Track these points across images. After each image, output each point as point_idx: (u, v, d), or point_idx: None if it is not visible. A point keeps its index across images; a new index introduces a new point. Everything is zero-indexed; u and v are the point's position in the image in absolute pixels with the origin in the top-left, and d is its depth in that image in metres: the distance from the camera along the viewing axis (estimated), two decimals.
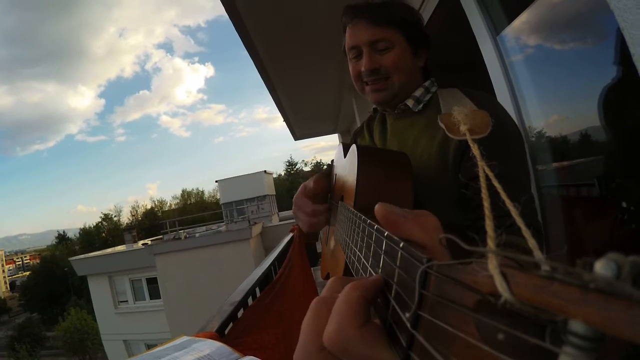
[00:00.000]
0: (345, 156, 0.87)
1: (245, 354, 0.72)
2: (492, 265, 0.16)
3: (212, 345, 0.74)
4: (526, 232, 0.18)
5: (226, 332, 1.02)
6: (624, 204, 1.26)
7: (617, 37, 1.06)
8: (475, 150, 0.30)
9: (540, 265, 0.15)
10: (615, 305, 0.11)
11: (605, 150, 1.39)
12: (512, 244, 0.54)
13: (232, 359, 0.70)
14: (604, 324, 0.12)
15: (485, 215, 0.23)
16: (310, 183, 0.99)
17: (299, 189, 1.02)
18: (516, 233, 0.55)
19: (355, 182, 0.68)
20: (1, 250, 64.25)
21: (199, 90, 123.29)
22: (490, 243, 0.19)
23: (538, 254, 0.16)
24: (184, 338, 0.80)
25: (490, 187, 0.26)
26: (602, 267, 0.13)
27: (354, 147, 0.77)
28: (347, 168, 0.80)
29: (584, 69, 1.41)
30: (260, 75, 4.49)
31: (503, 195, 0.23)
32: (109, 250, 17.52)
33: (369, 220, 0.40)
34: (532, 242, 0.17)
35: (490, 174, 0.25)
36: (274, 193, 21.06)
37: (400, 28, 0.91)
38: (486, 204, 0.24)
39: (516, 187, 0.78)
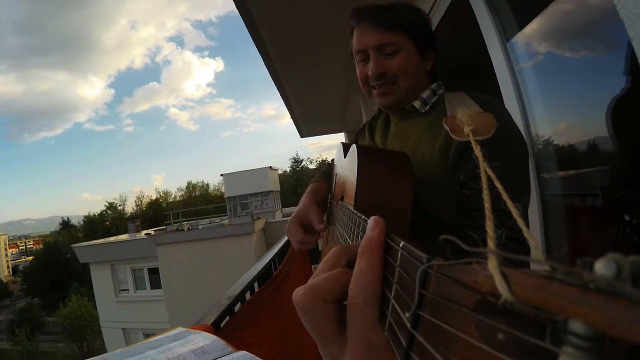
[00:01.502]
0: (345, 156, 0.87)
1: (239, 349, 0.72)
2: (492, 265, 0.16)
3: (207, 338, 0.74)
4: (526, 233, 0.18)
5: (222, 325, 1.03)
6: (627, 217, 1.25)
7: (627, 46, 1.05)
8: (477, 151, 0.30)
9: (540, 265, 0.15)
10: (615, 305, 0.11)
11: (611, 161, 1.38)
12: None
13: (225, 352, 0.70)
14: (604, 324, 0.12)
15: (484, 216, 0.23)
16: (309, 214, 0.93)
17: (295, 212, 0.97)
18: (512, 239, 0.54)
19: (355, 182, 0.68)
20: (5, 234, 64.78)
21: (208, 84, 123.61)
22: (490, 243, 0.19)
23: (538, 254, 0.16)
24: (180, 329, 0.81)
25: (488, 188, 0.26)
26: (602, 267, 0.13)
27: (354, 147, 0.77)
28: (347, 168, 0.80)
29: (594, 78, 1.39)
30: (269, 72, 4.49)
31: (504, 196, 0.23)
32: (112, 238, 17.64)
33: (369, 220, 0.40)
34: (532, 243, 0.17)
35: (492, 175, 0.25)
36: (279, 189, 21.11)
37: (407, 32, 0.90)
38: (487, 204, 0.24)
39: (509, 191, 0.77)
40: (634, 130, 1.25)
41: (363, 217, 0.44)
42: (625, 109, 1.19)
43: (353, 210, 0.54)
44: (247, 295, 1.29)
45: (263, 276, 1.54)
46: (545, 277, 0.14)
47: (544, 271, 0.14)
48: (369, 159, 0.72)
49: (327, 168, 1.16)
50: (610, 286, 0.12)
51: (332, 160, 1.13)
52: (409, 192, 0.67)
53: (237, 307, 1.18)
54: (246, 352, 0.69)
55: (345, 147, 0.90)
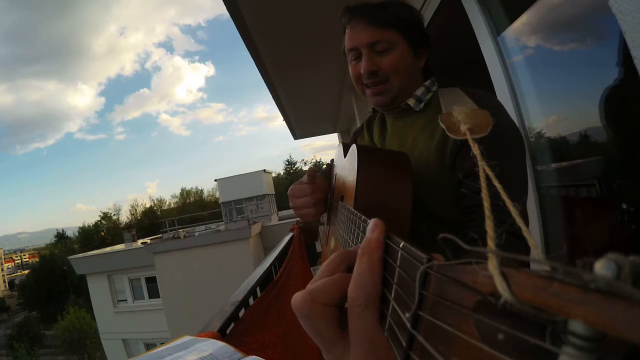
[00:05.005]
0: (345, 156, 0.87)
1: (247, 354, 0.72)
2: (492, 265, 0.16)
3: (214, 345, 0.74)
4: (526, 232, 0.18)
5: (228, 332, 1.02)
6: (624, 206, 1.26)
7: (617, 38, 1.06)
8: (475, 149, 0.30)
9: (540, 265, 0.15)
10: (615, 305, 0.11)
11: (605, 151, 1.39)
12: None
13: (235, 358, 0.70)
14: (604, 324, 0.12)
15: (483, 215, 0.23)
16: (305, 177, 0.98)
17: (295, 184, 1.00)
18: (512, 234, 0.54)
19: (355, 182, 0.68)
20: (0, 248, 64.13)
21: (199, 89, 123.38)
22: (490, 243, 0.19)
23: (538, 254, 0.16)
24: (186, 338, 0.80)
25: (487, 187, 0.26)
26: (602, 267, 0.13)
27: (353, 147, 0.77)
28: (347, 168, 0.80)
29: (584, 70, 1.41)
30: (261, 74, 4.49)
31: (503, 195, 0.23)
32: (108, 249, 17.51)
33: (369, 220, 0.40)
34: (532, 242, 0.17)
35: (491, 174, 0.25)
36: (274, 192, 21.04)
37: (399, 29, 0.90)
38: (486, 203, 0.24)
39: (509, 189, 0.77)
40: (625, 121, 1.26)
41: (363, 217, 0.44)
42: (617, 99, 1.20)
43: (353, 210, 0.54)
44: (250, 300, 1.29)
45: (265, 280, 1.54)
46: (545, 277, 0.14)
47: (544, 271, 0.14)
48: (369, 159, 0.71)
49: (326, 169, 1.16)
50: (610, 286, 0.12)
51: (332, 160, 1.13)
52: (409, 192, 0.67)
53: (242, 312, 1.17)
54: (256, 357, 0.69)
55: (345, 147, 0.90)
